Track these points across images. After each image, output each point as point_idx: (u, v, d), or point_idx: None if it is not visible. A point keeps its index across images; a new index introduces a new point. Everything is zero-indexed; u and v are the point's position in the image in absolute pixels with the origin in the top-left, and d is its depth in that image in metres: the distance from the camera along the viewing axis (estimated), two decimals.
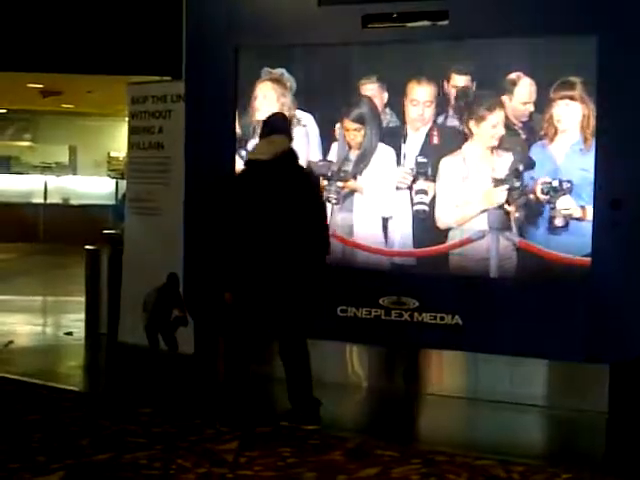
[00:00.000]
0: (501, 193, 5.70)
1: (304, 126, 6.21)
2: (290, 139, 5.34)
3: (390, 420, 5.60)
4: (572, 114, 5.52)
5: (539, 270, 5.62)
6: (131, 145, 7.79)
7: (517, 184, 5.66)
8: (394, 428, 5.39)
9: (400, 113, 5.97)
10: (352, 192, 6.14)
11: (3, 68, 13.89)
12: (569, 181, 5.54)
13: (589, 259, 5.47)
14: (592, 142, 5.46)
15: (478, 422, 5.64)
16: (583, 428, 5.48)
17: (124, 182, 9.06)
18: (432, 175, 5.89)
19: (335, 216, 6.16)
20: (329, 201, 6.16)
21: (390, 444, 4.75)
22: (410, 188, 5.94)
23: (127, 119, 7.93)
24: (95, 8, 12.23)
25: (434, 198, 5.88)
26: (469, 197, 5.80)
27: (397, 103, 5.97)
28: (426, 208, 5.89)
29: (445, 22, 5.78)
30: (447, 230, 5.86)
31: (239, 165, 6.16)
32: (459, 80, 5.79)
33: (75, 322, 8.45)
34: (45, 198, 18.87)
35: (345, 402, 6.03)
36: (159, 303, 7.04)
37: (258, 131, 5.64)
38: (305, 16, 6.12)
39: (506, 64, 5.67)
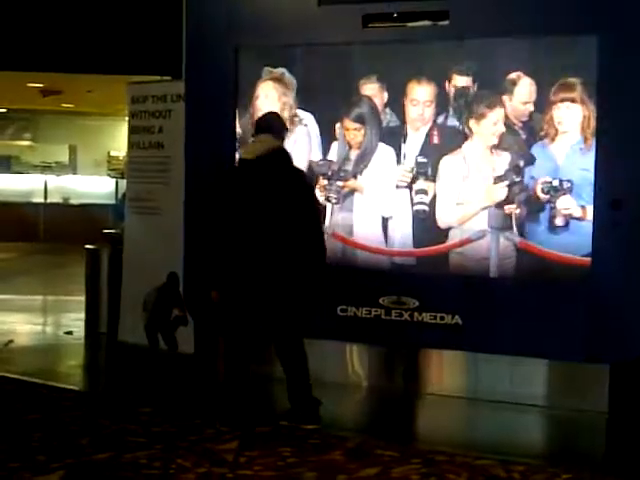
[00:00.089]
0: (501, 190, 5.70)
1: (305, 125, 6.21)
2: (279, 138, 5.28)
3: (390, 420, 5.60)
4: (573, 116, 5.52)
5: (539, 270, 5.63)
6: (131, 145, 7.79)
7: (517, 180, 5.66)
8: (394, 428, 5.39)
9: (400, 113, 5.97)
10: (352, 192, 6.14)
11: (3, 67, 13.89)
12: (569, 181, 5.54)
13: (589, 259, 5.47)
14: (592, 142, 5.47)
15: (478, 422, 5.64)
16: (583, 428, 5.48)
17: (124, 182, 9.07)
18: (432, 175, 5.89)
19: (335, 216, 6.17)
20: (329, 200, 6.17)
21: (390, 444, 4.75)
22: (410, 188, 5.94)
23: (127, 119, 7.93)
24: (95, 8, 12.23)
25: (434, 198, 5.88)
26: (469, 196, 5.80)
27: (397, 103, 5.97)
28: (426, 208, 5.89)
29: (446, 22, 5.78)
30: (447, 230, 5.86)
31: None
32: (459, 80, 5.79)
33: (75, 321, 8.45)
34: (45, 197, 18.87)
35: (345, 402, 6.03)
36: (159, 302, 7.04)
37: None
38: (305, 16, 6.12)
39: (506, 64, 5.67)
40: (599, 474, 4.48)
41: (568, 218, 5.55)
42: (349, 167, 6.12)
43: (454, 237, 5.84)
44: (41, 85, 17.48)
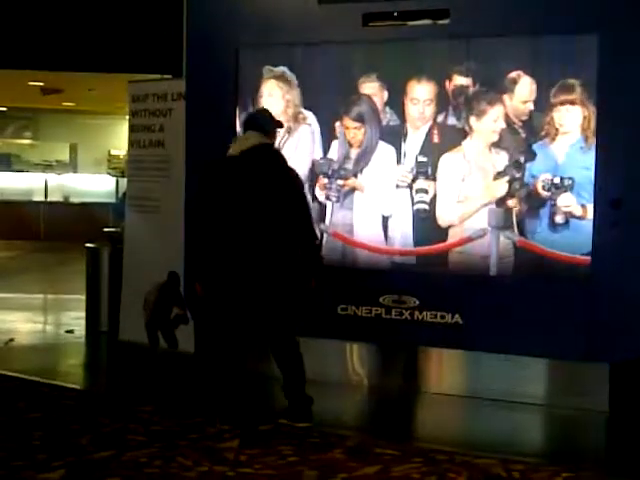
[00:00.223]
0: (501, 187, 5.70)
1: (309, 125, 6.21)
2: (266, 135, 5.19)
3: (390, 418, 5.61)
4: (573, 116, 5.53)
5: (539, 269, 5.63)
6: (131, 143, 7.79)
7: (517, 176, 5.66)
8: (394, 427, 5.39)
9: (400, 112, 5.97)
10: (352, 190, 6.14)
11: (4, 66, 13.89)
12: (570, 178, 5.54)
13: (589, 258, 5.47)
14: (593, 141, 5.47)
15: (478, 421, 5.64)
16: (583, 427, 5.48)
17: (124, 180, 9.07)
18: (432, 173, 5.89)
19: (335, 214, 6.17)
20: (329, 199, 6.17)
21: (390, 442, 4.76)
22: (410, 187, 5.94)
23: (128, 117, 7.93)
24: (96, 6, 12.23)
25: (435, 196, 5.88)
26: (470, 193, 5.80)
27: (397, 102, 5.97)
28: (427, 207, 5.89)
29: (446, 21, 5.78)
30: (448, 228, 5.86)
31: None
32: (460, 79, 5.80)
33: (76, 320, 8.46)
34: (46, 196, 18.88)
35: (345, 400, 6.03)
36: (160, 301, 7.04)
37: None
38: (306, 14, 6.12)
39: (507, 63, 5.67)
40: (599, 473, 4.49)
41: (568, 216, 5.55)
42: (349, 166, 6.13)
43: (454, 236, 5.85)
44: (42, 83, 17.47)
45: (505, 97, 5.68)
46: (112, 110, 19.55)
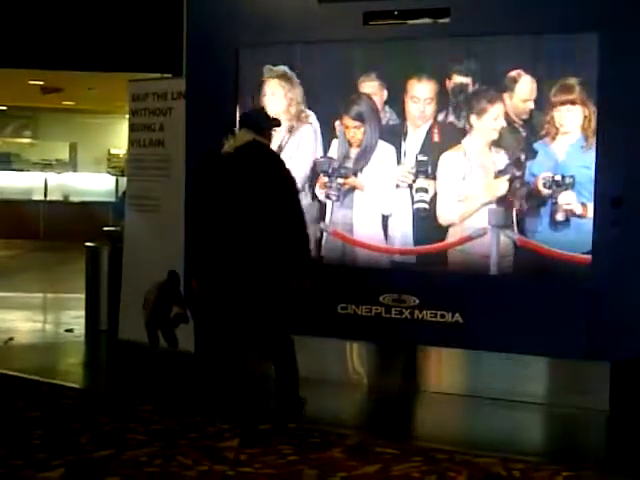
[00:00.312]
0: (502, 185, 5.70)
1: (311, 124, 6.20)
2: (258, 132, 5.16)
3: (390, 417, 5.60)
4: (573, 115, 5.53)
5: (540, 267, 5.63)
6: (131, 142, 7.79)
7: (518, 174, 5.65)
8: (394, 425, 5.39)
9: (400, 110, 5.96)
10: (352, 189, 6.13)
11: (4, 65, 13.88)
12: (571, 176, 5.53)
13: (589, 257, 5.47)
14: (593, 140, 5.46)
15: (478, 420, 5.64)
16: (584, 426, 5.47)
17: (124, 179, 9.06)
18: (432, 172, 5.88)
19: (335, 213, 6.16)
20: (329, 198, 6.16)
21: (390, 441, 4.75)
22: (410, 186, 5.94)
23: (127, 116, 7.92)
24: (96, 5, 12.23)
25: (435, 195, 5.88)
26: (470, 192, 5.79)
27: (397, 100, 5.96)
28: (427, 206, 5.89)
29: (446, 20, 5.77)
30: (448, 227, 5.85)
31: None
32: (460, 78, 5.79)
33: (75, 319, 8.45)
34: (45, 195, 18.86)
35: (345, 399, 6.02)
36: (159, 300, 7.04)
37: None
38: (306, 14, 6.12)
39: (507, 61, 5.67)
40: (600, 472, 4.48)
41: (569, 214, 5.55)
42: (349, 164, 6.12)
43: (454, 235, 5.84)
44: (42, 82, 17.47)
45: (505, 96, 5.68)
46: (112, 109, 19.55)
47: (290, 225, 5.08)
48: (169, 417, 5.15)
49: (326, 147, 6.18)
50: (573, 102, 5.51)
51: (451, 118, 5.84)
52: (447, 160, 5.84)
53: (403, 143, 5.96)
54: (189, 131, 6.58)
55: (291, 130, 6.23)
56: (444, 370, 6.25)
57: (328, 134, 6.16)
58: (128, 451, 4.49)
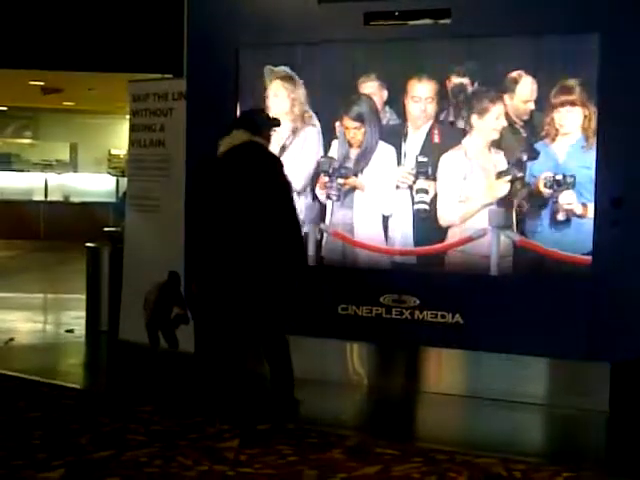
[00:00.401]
0: (503, 186, 5.69)
1: (314, 125, 6.20)
2: (254, 133, 5.10)
3: (390, 418, 5.60)
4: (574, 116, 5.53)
5: (540, 268, 5.63)
6: (132, 143, 7.79)
7: (519, 174, 5.65)
8: (394, 426, 5.38)
9: (401, 111, 5.96)
10: (353, 189, 6.13)
11: (4, 65, 13.89)
12: (572, 175, 5.52)
13: (590, 257, 5.47)
14: (594, 141, 5.46)
15: (479, 420, 5.64)
16: (584, 427, 5.47)
17: (125, 180, 9.06)
18: (432, 173, 5.88)
19: (336, 214, 6.16)
20: (329, 198, 6.16)
21: (390, 442, 4.75)
22: (411, 187, 5.94)
23: (128, 117, 7.92)
24: (96, 6, 12.23)
25: (435, 196, 5.88)
26: (471, 193, 5.79)
27: (397, 101, 5.96)
28: (427, 207, 5.89)
29: (447, 20, 5.77)
30: (448, 228, 5.85)
31: None
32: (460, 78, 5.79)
33: (76, 319, 8.46)
34: (46, 195, 18.88)
35: (345, 400, 6.02)
36: (160, 301, 7.03)
37: None
38: (306, 14, 6.12)
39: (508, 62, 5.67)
40: (600, 473, 4.48)
41: (570, 214, 5.55)
42: (350, 164, 6.12)
43: (455, 235, 5.84)
44: (42, 83, 17.47)
45: (506, 97, 5.68)
46: (112, 110, 19.55)
47: (282, 227, 5.02)
48: (169, 418, 5.15)
49: (327, 147, 6.18)
50: (573, 103, 5.51)
51: (451, 118, 5.83)
52: (447, 161, 5.84)
53: (403, 144, 5.96)
54: (190, 131, 6.58)
55: (295, 131, 6.23)
56: (444, 371, 6.25)
57: (328, 135, 6.15)
58: (128, 452, 4.49)
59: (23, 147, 21.81)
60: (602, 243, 5.41)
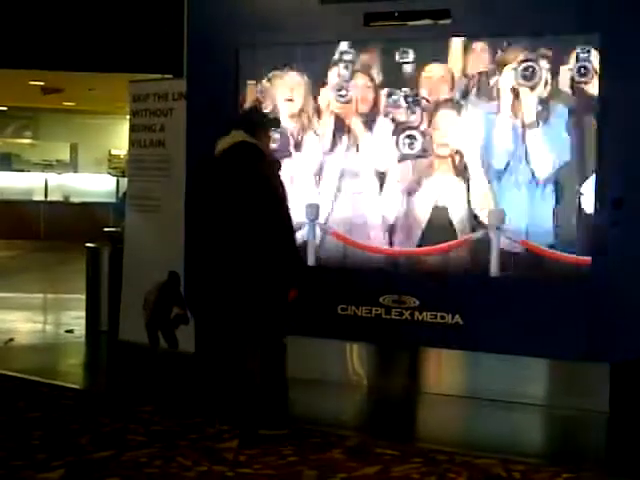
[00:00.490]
0: (502, 184, 5.70)
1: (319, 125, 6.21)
2: (249, 133, 4.96)
3: (390, 419, 5.60)
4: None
5: (540, 269, 5.62)
6: (132, 143, 7.79)
7: (519, 175, 5.65)
8: (394, 427, 5.39)
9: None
10: (354, 190, 6.13)
11: (4, 65, 13.90)
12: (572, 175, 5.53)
13: (589, 258, 5.46)
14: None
15: (478, 421, 5.64)
16: (584, 427, 5.47)
17: (125, 180, 9.06)
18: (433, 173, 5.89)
19: (336, 214, 6.16)
20: (330, 198, 6.16)
21: (390, 443, 4.75)
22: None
23: (128, 117, 7.92)
24: (97, 6, 12.24)
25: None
26: (473, 194, 5.79)
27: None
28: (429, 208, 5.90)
29: (447, 21, 5.77)
30: (449, 229, 5.85)
31: None
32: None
33: (76, 320, 8.46)
34: (46, 196, 18.90)
35: (345, 400, 6.02)
36: (160, 301, 7.04)
37: None
38: (306, 14, 6.12)
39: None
40: (600, 473, 4.48)
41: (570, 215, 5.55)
42: (351, 164, 6.11)
43: (455, 236, 5.84)
44: (42, 83, 17.48)
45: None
46: (112, 110, 19.56)
47: (272, 229, 4.86)
48: (169, 418, 5.15)
49: (328, 147, 6.18)
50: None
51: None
52: (448, 161, 5.85)
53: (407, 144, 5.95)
54: (190, 132, 6.58)
55: (304, 129, 6.23)
56: (444, 371, 6.25)
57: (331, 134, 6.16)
58: (128, 452, 4.49)
59: (23, 147, 21.83)
60: (602, 243, 5.40)
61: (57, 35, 12.60)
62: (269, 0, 6.34)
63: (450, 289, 5.80)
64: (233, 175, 4.91)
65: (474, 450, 4.68)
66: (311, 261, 6.14)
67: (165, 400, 5.62)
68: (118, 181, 18.47)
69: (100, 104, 19.69)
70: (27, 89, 17.86)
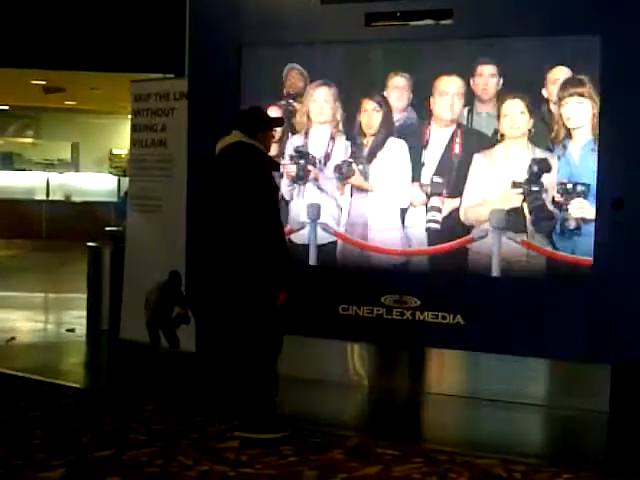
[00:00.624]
0: (508, 185, 5.70)
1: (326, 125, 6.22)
2: (247, 133, 4.93)
3: (391, 419, 5.61)
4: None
5: (542, 269, 5.62)
6: (134, 142, 7.80)
7: (520, 176, 5.66)
8: (395, 427, 5.39)
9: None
10: (355, 190, 6.13)
11: (6, 64, 13.90)
12: (584, 184, 5.51)
13: (591, 259, 5.46)
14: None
15: (479, 421, 5.64)
16: (584, 428, 5.47)
17: (126, 179, 9.06)
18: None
19: (336, 214, 6.17)
20: (330, 198, 6.16)
21: (391, 443, 4.75)
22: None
23: (130, 116, 7.93)
24: (99, 5, 12.24)
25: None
26: (485, 197, 5.78)
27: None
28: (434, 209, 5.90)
29: (449, 21, 5.77)
30: (450, 229, 5.85)
31: None
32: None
33: (77, 319, 8.46)
34: (47, 195, 18.89)
35: (346, 401, 6.03)
36: (161, 300, 7.05)
37: None
38: (308, 14, 6.12)
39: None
40: (600, 474, 4.48)
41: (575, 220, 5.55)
42: (352, 164, 6.11)
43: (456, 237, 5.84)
44: (44, 82, 17.47)
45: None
46: (114, 109, 19.55)
47: (260, 228, 4.78)
48: (170, 417, 5.16)
49: (331, 147, 6.19)
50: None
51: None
52: (448, 164, 5.85)
53: (414, 145, 5.95)
54: (191, 131, 6.59)
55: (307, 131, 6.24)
56: (445, 371, 6.25)
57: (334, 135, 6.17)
58: (129, 451, 4.49)
59: (25, 146, 21.81)
60: (603, 244, 5.40)
61: (59, 34, 12.60)
62: (269, 0, 6.35)
63: (451, 289, 5.79)
64: (226, 175, 4.89)
65: (475, 450, 4.69)
66: (312, 260, 6.15)
67: (166, 399, 5.62)
68: (119, 181, 18.47)
69: (102, 103, 19.68)
70: (29, 88, 17.85)
